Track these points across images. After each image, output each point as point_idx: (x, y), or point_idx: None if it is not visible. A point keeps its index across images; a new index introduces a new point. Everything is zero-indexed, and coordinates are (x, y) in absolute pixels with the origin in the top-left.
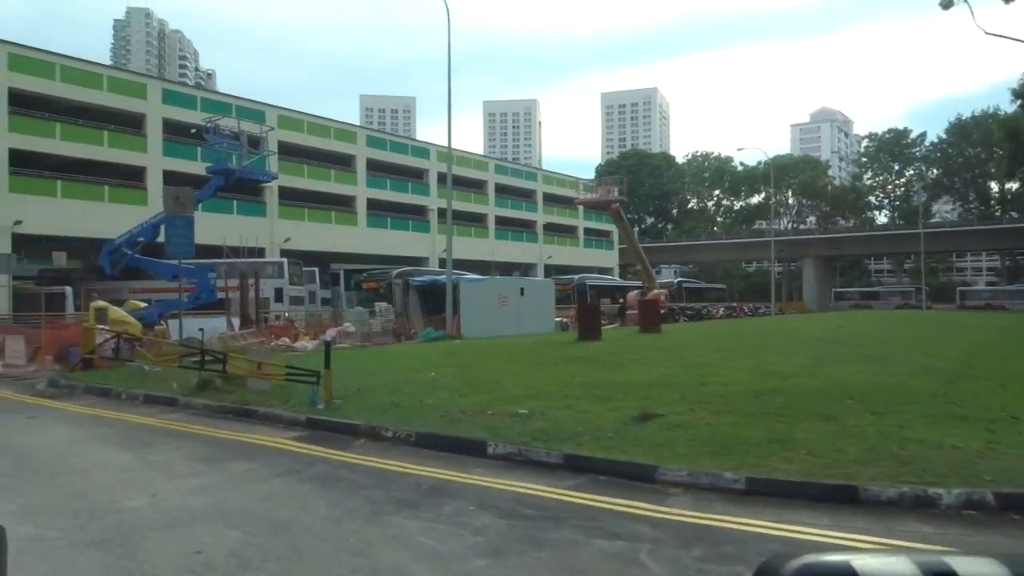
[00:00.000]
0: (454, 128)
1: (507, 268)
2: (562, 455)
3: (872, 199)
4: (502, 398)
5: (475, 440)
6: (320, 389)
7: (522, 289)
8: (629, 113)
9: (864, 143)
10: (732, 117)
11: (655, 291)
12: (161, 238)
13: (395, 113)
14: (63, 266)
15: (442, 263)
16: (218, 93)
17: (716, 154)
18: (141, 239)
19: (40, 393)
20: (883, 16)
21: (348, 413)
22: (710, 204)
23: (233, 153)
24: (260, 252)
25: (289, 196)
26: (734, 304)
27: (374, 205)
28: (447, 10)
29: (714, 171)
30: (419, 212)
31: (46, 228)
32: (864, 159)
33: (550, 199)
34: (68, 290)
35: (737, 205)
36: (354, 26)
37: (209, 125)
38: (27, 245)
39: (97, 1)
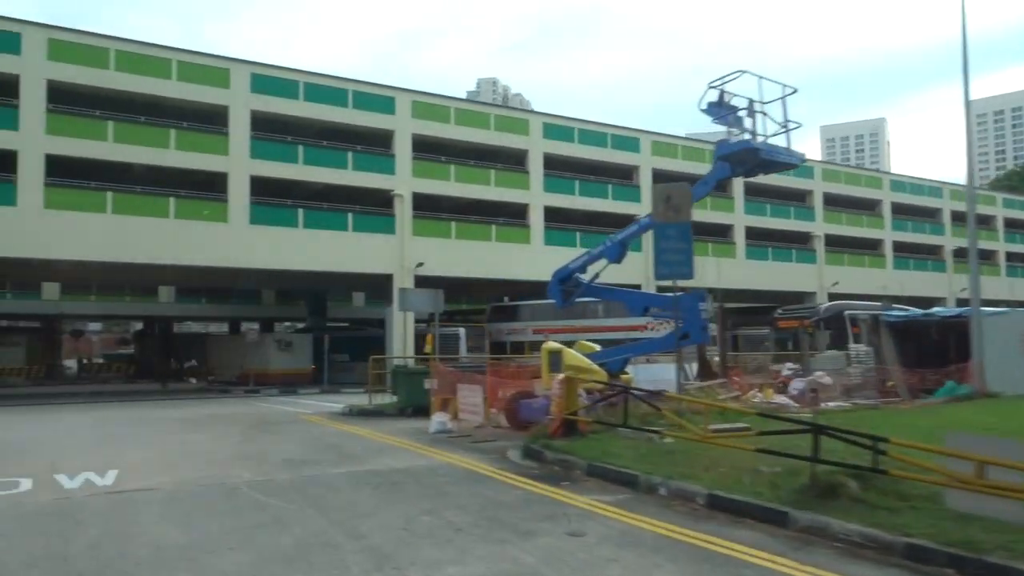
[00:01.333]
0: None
1: (898, 302)
2: None
3: None
4: None
5: None
6: None
7: None
8: (1009, 119)
9: None
10: None
11: None
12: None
13: None
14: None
15: (831, 298)
16: (594, 123)
17: None
18: (604, 259)
19: (519, 468)
20: None
21: None
22: None
23: (744, 131)
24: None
25: None
26: None
27: (752, 234)
28: None
29: None
30: (802, 240)
31: (438, 269)
32: None
33: (958, 219)
34: (461, 331)
35: None
36: (666, 72)
37: (715, 90)
38: (421, 286)
39: (456, 77)
